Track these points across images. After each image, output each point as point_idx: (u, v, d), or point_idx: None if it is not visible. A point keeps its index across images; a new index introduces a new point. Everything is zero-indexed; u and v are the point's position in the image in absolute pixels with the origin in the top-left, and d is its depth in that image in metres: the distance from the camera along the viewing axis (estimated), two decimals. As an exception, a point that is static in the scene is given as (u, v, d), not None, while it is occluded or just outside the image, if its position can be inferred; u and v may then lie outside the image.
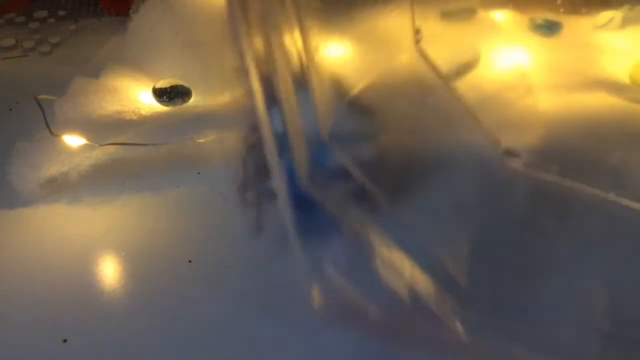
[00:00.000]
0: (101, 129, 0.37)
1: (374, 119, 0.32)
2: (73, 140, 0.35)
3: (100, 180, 0.37)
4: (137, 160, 0.37)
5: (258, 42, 0.29)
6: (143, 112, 0.40)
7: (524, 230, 0.34)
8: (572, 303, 0.30)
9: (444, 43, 0.46)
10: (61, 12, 0.61)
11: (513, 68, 0.45)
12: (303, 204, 0.32)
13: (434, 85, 0.43)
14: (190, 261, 0.32)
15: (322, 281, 0.31)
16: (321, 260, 0.32)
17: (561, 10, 0.55)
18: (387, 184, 0.35)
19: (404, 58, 0.44)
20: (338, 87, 0.32)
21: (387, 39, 0.47)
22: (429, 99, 0.42)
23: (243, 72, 0.29)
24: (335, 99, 0.31)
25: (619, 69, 0.48)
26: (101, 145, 0.35)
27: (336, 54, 0.45)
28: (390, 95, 0.42)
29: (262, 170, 0.29)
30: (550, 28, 0.49)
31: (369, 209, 0.33)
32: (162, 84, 0.41)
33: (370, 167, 0.32)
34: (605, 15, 0.51)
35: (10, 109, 0.46)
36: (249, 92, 0.29)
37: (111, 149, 0.36)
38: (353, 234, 0.33)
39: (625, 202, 0.34)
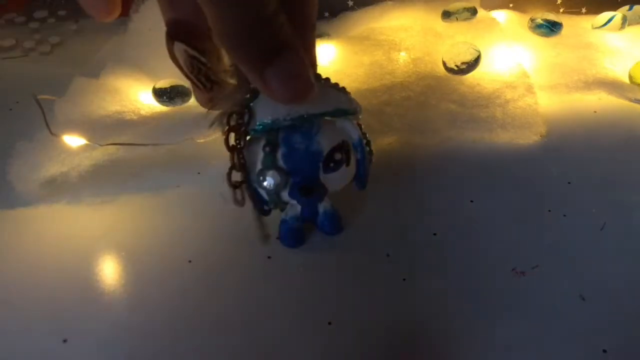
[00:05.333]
0: (101, 129, 0.37)
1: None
2: (73, 140, 0.35)
3: (100, 180, 0.37)
4: (137, 160, 0.37)
5: None
6: (143, 112, 0.40)
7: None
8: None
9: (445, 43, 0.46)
10: (61, 12, 0.61)
11: (513, 68, 0.45)
12: (302, 204, 0.32)
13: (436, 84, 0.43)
14: (190, 261, 0.32)
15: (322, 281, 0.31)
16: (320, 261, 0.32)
17: (561, 10, 0.55)
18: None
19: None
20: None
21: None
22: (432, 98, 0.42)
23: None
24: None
25: (619, 69, 0.48)
26: (101, 145, 0.35)
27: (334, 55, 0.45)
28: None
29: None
30: (550, 28, 0.49)
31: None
32: (162, 84, 0.41)
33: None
34: (605, 15, 0.52)
35: (10, 109, 0.46)
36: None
37: (111, 149, 0.35)
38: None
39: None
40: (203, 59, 0.28)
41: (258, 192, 0.29)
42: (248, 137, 0.29)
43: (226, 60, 0.28)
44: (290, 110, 0.27)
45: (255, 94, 0.28)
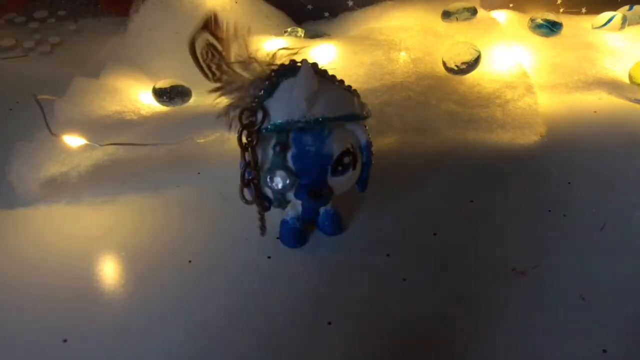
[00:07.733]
0: (101, 129, 0.37)
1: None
2: (73, 140, 0.35)
3: (100, 180, 0.37)
4: (137, 160, 0.37)
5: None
6: (143, 112, 0.40)
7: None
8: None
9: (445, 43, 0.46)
10: (61, 12, 0.61)
11: (513, 68, 0.45)
12: (304, 204, 0.32)
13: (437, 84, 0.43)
14: (190, 261, 0.32)
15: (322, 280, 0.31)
16: (322, 259, 0.32)
17: (561, 10, 0.55)
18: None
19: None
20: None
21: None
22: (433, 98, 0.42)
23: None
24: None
25: (619, 69, 0.48)
26: (101, 145, 0.35)
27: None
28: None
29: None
30: (550, 28, 0.49)
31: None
32: (162, 84, 0.42)
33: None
34: (605, 15, 0.52)
35: (10, 109, 0.46)
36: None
37: (111, 149, 0.36)
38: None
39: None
40: (219, 47, 0.28)
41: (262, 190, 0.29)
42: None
43: (246, 50, 0.28)
44: (306, 113, 0.27)
45: (269, 91, 0.27)
